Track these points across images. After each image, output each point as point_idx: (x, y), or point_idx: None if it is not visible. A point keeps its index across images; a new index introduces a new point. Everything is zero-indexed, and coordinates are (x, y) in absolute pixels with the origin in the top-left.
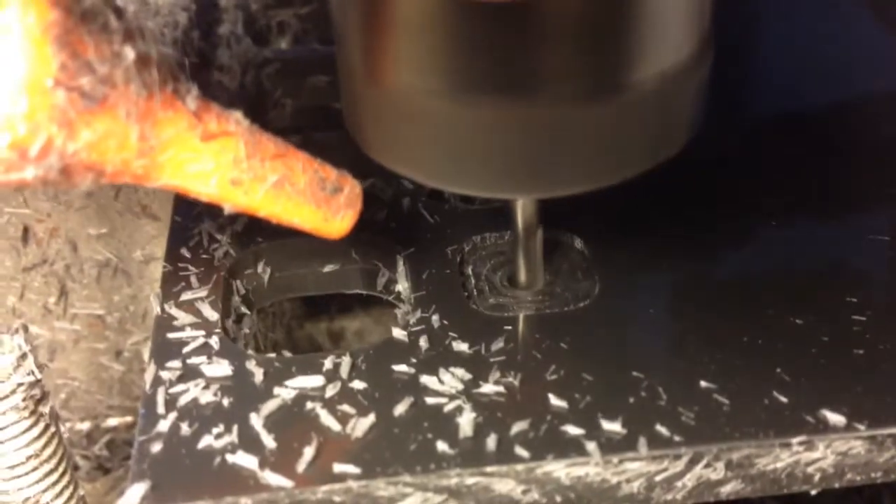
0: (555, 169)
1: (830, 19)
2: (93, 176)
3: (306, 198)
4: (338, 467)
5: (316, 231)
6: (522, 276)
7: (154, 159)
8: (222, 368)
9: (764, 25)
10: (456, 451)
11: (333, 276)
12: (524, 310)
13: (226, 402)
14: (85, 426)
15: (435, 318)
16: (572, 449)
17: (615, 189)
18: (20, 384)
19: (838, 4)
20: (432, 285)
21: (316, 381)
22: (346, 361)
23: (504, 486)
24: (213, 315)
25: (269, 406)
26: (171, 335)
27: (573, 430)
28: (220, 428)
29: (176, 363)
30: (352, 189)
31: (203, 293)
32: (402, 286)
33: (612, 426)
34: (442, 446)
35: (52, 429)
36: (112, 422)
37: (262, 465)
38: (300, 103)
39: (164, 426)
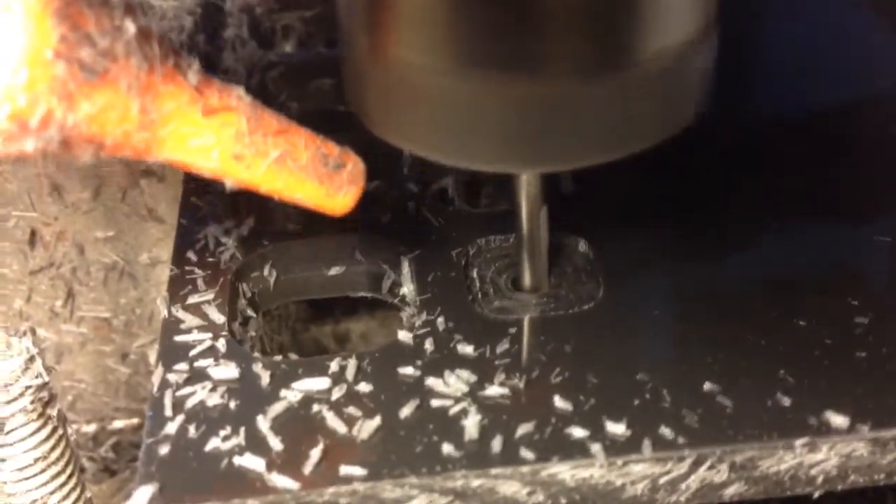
0: (560, 143)
1: (831, 18)
2: (93, 149)
3: (308, 173)
4: (344, 469)
5: (319, 207)
6: (527, 277)
7: (155, 133)
8: (229, 371)
9: (765, 25)
10: (461, 454)
11: (339, 279)
12: (529, 312)
13: (233, 404)
14: (91, 428)
15: (440, 320)
16: (577, 451)
17: (619, 191)
18: (28, 387)
19: (840, 3)
20: (437, 288)
21: (322, 383)
22: (351, 364)
23: (509, 487)
24: (219, 318)
25: (276, 408)
26: (178, 338)
27: (578, 432)
28: (228, 430)
29: (183, 366)
30: (355, 165)
31: (210, 296)
32: (408, 289)
33: (617, 428)
34: (447, 448)
35: (60, 431)
36: (118, 424)
37: (268, 468)
38: (305, 106)
39: (171, 428)
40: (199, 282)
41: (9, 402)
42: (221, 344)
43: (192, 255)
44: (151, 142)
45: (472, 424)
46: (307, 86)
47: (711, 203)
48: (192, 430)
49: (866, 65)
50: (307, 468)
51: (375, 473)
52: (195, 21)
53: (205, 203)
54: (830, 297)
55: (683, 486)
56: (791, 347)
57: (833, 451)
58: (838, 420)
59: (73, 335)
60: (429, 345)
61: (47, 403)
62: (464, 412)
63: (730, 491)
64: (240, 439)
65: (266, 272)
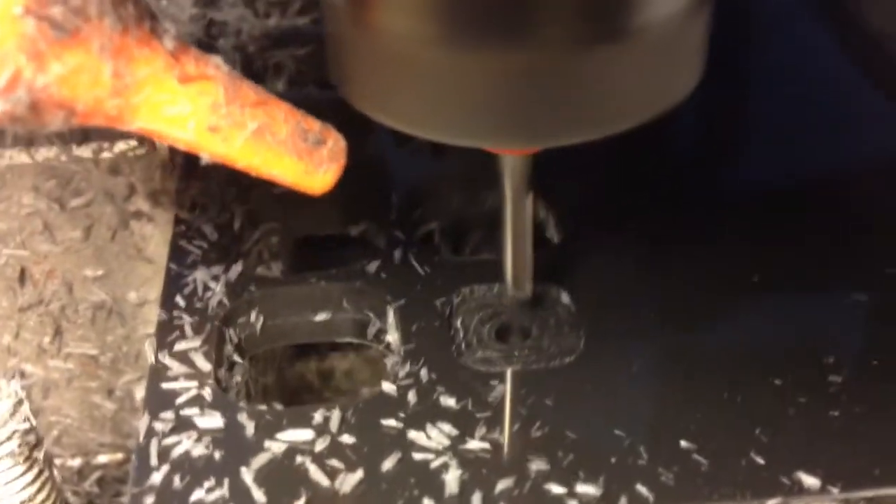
0: (548, 118)
1: (817, 83)
2: (63, 114)
3: (287, 148)
4: None
5: (297, 185)
6: (509, 273)
7: (128, 100)
8: (214, 420)
9: (754, 91)
10: None
11: (325, 325)
12: (511, 364)
13: (217, 454)
14: (76, 462)
15: (423, 371)
16: None
17: (603, 244)
18: (16, 431)
19: (830, 62)
20: (421, 338)
21: (306, 434)
22: (335, 415)
23: None
24: (206, 366)
25: (260, 460)
26: (164, 385)
27: (556, 488)
28: (212, 482)
29: (169, 414)
30: (336, 143)
31: (196, 343)
32: (393, 337)
33: (594, 487)
34: (428, 503)
35: (46, 473)
36: (102, 458)
37: None
38: None
39: (156, 478)
40: (187, 328)
41: None
42: (207, 392)
43: (180, 300)
44: (124, 109)
45: (452, 479)
46: None
47: (693, 262)
48: (176, 481)
49: (851, 131)
50: None
51: None
52: (174, 25)
53: (194, 247)
54: (805, 356)
55: None
56: (766, 406)
57: None
58: (810, 480)
59: (61, 371)
60: (412, 396)
61: (34, 447)
62: (445, 466)
63: None
64: (223, 491)
65: (253, 318)
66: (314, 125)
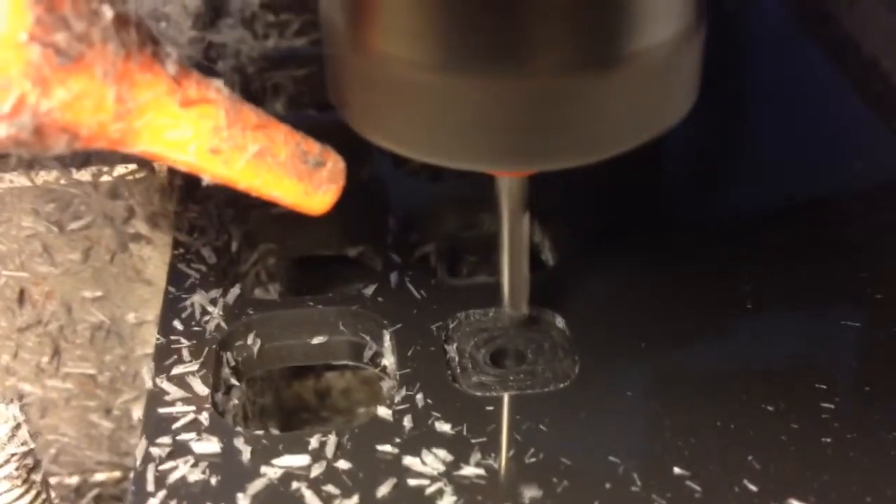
0: (544, 142)
1: (812, 97)
2: (67, 138)
3: (287, 170)
4: None
5: (297, 206)
6: (506, 294)
7: (131, 123)
8: (211, 446)
9: (747, 112)
10: None
11: (321, 348)
12: (506, 389)
13: (214, 480)
14: (74, 480)
15: (419, 396)
16: None
17: (598, 268)
18: (14, 454)
19: (821, 81)
20: (417, 362)
21: (302, 460)
22: (331, 440)
23: None
24: (203, 390)
25: (256, 485)
26: (162, 410)
27: None
28: None
29: (166, 439)
30: (335, 164)
31: (194, 367)
32: (389, 361)
33: None
34: None
35: (44, 496)
36: (100, 476)
37: None
38: None
39: None
40: (185, 352)
41: None
42: (204, 417)
43: (178, 324)
44: (127, 132)
45: None
46: None
47: (687, 288)
48: None
49: (845, 152)
50: None
51: None
52: (176, 50)
53: (192, 270)
54: (798, 382)
55: None
56: (759, 432)
57: None
58: None
59: (59, 390)
60: (407, 422)
61: (32, 469)
62: (440, 492)
63: None
64: None
65: (250, 341)
66: (314, 147)
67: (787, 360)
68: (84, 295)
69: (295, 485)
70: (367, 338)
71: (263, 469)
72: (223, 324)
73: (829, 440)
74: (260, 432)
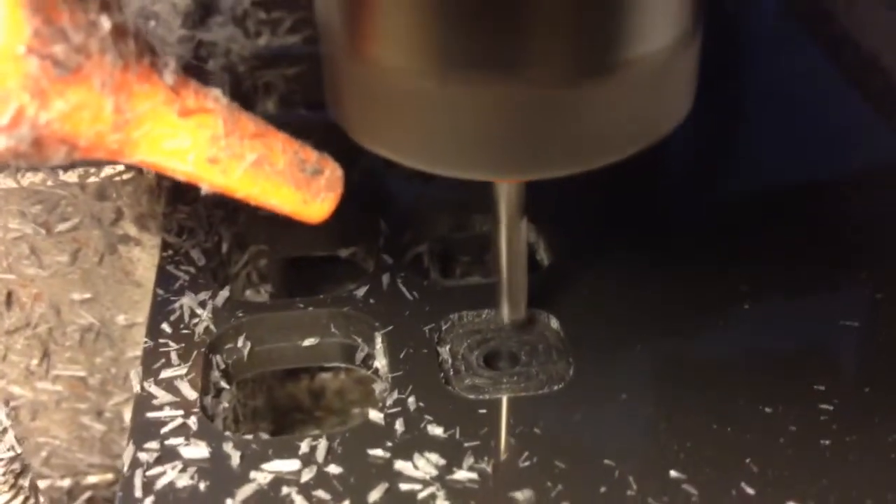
0: (540, 150)
1: (812, 95)
2: (66, 149)
3: (286, 178)
4: None
5: (295, 214)
6: (505, 304)
7: (129, 134)
8: (200, 451)
9: (746, 100)
10: None
11: (312, 350)
12: (499, 392)
13: (202, 485)
14: (66, 483)
15: (411, 399)
16: None
17: (593, 268)
18: (1, 459)
19: (821, 80)
20: (409, 365)
21: (292, 465)
22: (322, 444)
23: None
24: (192, 394)
25: (245, 491)
26: (150, 414)
27: None
28: None
29: (154, 444)
30: (332, 172)
31: (183, 371)
32: (381, 363)
33: None
34: None
35: (32, 500)
36: (92, 479)
37: None
38: None
39: None
40: (173, 355)
41: None
42: (193, 421)
43: (166, 327)
44: (125, 143)
45: None
46: None
47: (685, 288)
48: None
49: (844, 148)
50: None
51: None
52: (174, 59)
53: (181, 272)
54: (796, 383)
55: None
56: (757, 435)
57: None
58: None
59: (49, 393)
60: (399, 425)
61: (19, 475)
62: (432, 497)
63: None
64: None
65: (240, 343)
66: (311, 155)
67: (786, 361)
68: (73, 297)
69: (285, 490)
70: (359, 340)
71: (253, 474)
72: (212, 326)
73: (828, 442)
74: (249, 437)
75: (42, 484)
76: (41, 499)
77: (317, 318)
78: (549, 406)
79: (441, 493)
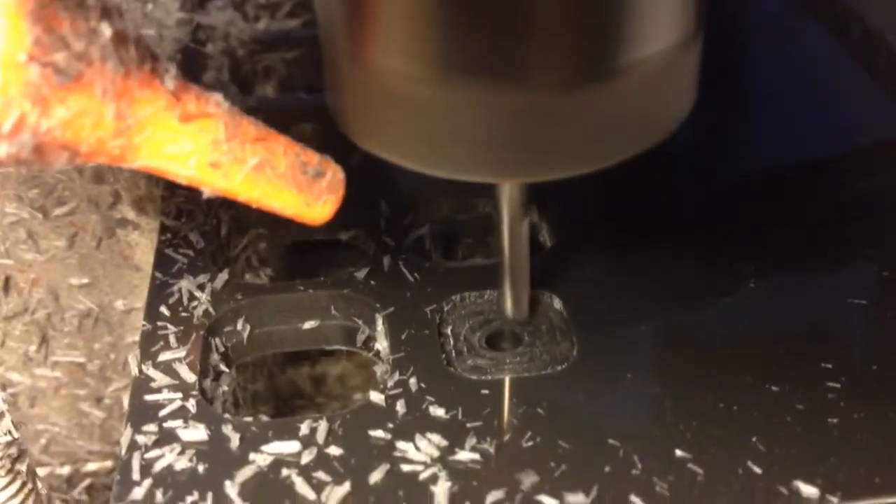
0: (541, 152)
1: (814, 76)
2: (67, 155)
3: (287, 182)
4: None
5: (297, 216)
6: (508, 300)
7: (131, 139)
8: (198, 433)
9: (748, 90)
10: None
11: (313, 333)
12: (502, 372)
13: (201, 468)
14: (65, 471)
15: (413, 380)
16: None
17: (595, 249)
18: None
19: (824, 61)
20: (411, 346)
21: (292, 446)
22: (322, 426)
23: None
24: (190, 377)
25: (245, 473)
26: (148, 397)
27: (548, 500)
28: (195, 496)
29: (152, 427)
30: (334, 174)
31: (181, 353)
32: (382, 345)
33: (586, 497)
34: None
35: (30, 485)
36: (92, 466)
37: None
38: None
39: (139, 493)
40: (172, 338)
41: None
42: (192, 404)
43: (164, 310)
44: (127, 148)
45: (441, 491)
46: (287, 131)
47: (689, 268)
48: (159, 496)
49: (848, 122)
50: None
51: None
52: (175, 64)
53: (179, 255)
54: (803, 362)
55: None
56: (764, 413)
57: None
58: (808, 490)
59: (48, 379)
60: (400, 407)
61: (16, 459)
62: (434, 478)
63: None
64: None
65: (240, 326)
66: (313, 158)
67: (792, 339)
68: (71, 282)
69: (285, 472)
70: (360, 322)
71: (252, 456)
72: (211, 309)
73: (835, 421)
74: (249, 419)
75: (41, 471)
76: (39, 485)
77: (317, 300)
78: (553, 386)
79: (443, 474)
